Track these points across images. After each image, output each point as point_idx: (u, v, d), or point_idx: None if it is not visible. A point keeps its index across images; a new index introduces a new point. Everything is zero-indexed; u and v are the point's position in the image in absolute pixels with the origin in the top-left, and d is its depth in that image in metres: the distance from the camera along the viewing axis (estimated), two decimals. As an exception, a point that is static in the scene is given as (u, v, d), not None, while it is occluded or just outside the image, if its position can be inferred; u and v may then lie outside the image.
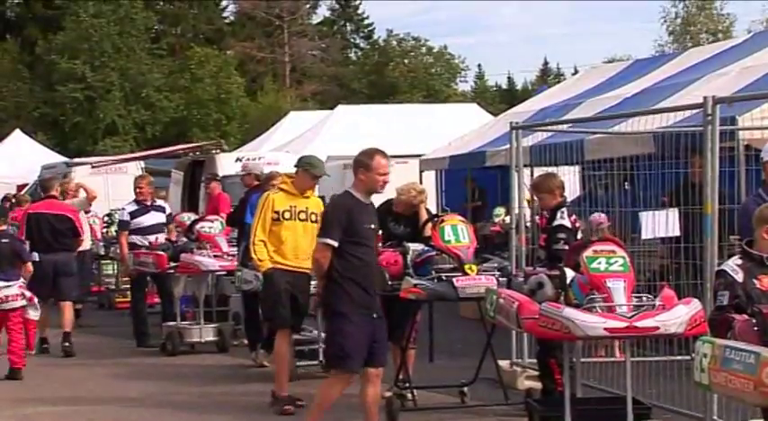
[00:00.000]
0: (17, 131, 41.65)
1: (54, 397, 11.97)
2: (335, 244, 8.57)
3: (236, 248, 14.22)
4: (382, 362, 8.87)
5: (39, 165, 29.99)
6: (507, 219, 17.57)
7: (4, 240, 13.48)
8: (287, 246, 10.78)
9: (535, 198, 11.21)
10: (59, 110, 59.76)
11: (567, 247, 9.62)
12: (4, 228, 14.10)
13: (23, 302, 13.04)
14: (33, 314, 13.26)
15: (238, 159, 21.20)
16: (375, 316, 8.71)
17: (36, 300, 13.29)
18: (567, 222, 10.05)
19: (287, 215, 10.78)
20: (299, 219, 10.80)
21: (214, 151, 22.85)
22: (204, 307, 14.59)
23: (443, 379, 11.17)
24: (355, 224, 8.63)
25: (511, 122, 12.31)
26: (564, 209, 10.18)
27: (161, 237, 15.47)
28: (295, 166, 11.07)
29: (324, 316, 8.95)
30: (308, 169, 10.91)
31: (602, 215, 12.23)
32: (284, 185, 11.00)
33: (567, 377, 8.54)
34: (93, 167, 24.88)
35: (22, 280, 13.28)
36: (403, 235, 10.87)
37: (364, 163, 8.76)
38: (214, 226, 14.93)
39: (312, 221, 10.72)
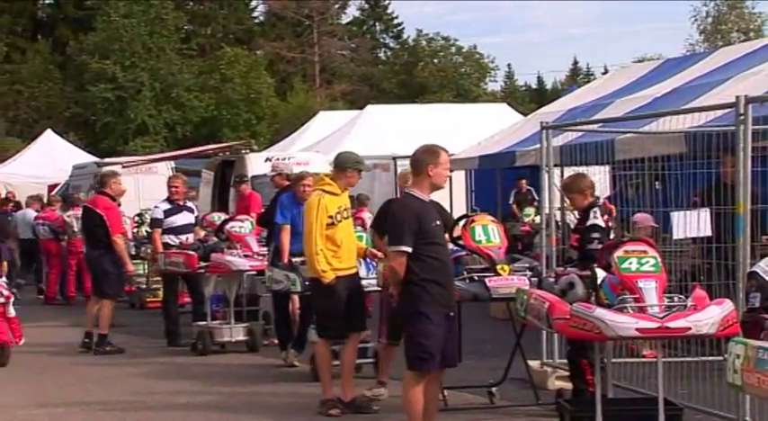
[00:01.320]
0: (48, 131, 41.86)
1: (85, 396, 12.01)
2: (410, 250, 8.50)
3: (266, 248, 14.23)
4: (453, 362, 8.88)
5: (70, 164, 30.15)
6: (537, 219, 17.58)
7: None
8: (343, 249, 10.55)
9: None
10: (90, 110, 60.05)
11: (600, 247, 9.60)
12: None
13: (1, 300, 13.95)
14: (12, 311, 14.17)
15: (268, 159, 21.24)
16: (451, 314, 8.73)
17: (12, 299, 14.19)
18: (600, 222, 10.03)
19: (338, 217, 10.58)
20: (345, 219, 10.65)
21: (244, 151, 22.90)
22: (234, 306, 14.60)
23: (473, 379, 11.15)
24: (425, 225, 8.57)
25: (541, 122, 12.28)
26: (596, 208, 10.16)
27: (191, 238, 15.52)
28: (338, 165, 10.90)
29: (402, 317, 8.81)
30: (359, 167, 10.85)
31: (648, 216, 12.18)
32: (328, 187, 10.69)
33: (599, 377, 8.51)
34: (123, 167, 24.93)
35: (3, 279, 14.48)
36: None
37: (433, 159, 8.71)
38: (244, 226, 14.96)
39: (348, 217, 10.73)
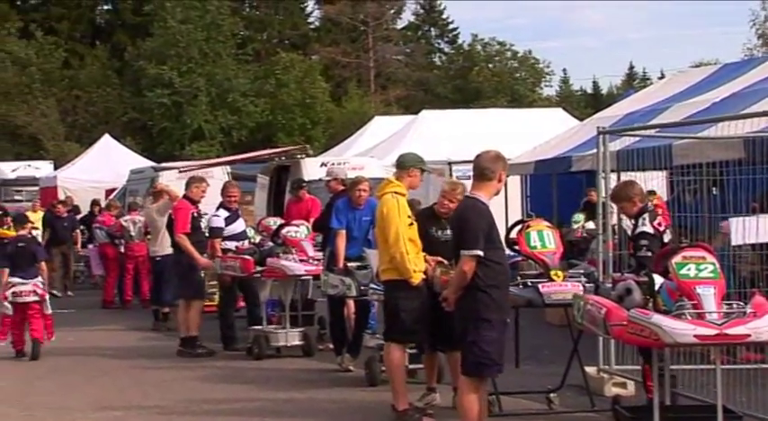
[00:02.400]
0: (106, 136, 42.18)
1: (143, 399, 12.09)
2: (482, 254, 8.48)
3: (321, 253, 14.26)
4: (501, 368, 8.87)
5: (127, 169, 30.33)
6: (587, 225, 17.48)
7: (20, 244, 15.59)
8: (419, 250, 10.51)
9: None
10: (147, 115, 60.48)
11: (649, 254, 9.54)
12: (23, 232, 16.05)
13: (36, 298, 15.06)
14: (48, 309, 15.21)
15: (323, 164, 21.26)
16: (507, 320, 8.74)
17: (47, 296, 15.32)
18: (648, 228, 9.95)
19: (412, 218, 10.59)
20: (411, 218, 10.64)
21: (299, 156, 22.94)
22: (290, 311, 14.64)
23: (530, 385, 11.12)
24: (492, 230, 8.58)
25: (598, 127, 12.22)
26: (645, 215, 10.09)
27: (246, 243, 15.60)
28: (400, 165, 10.87)
29: (462, 323, 8.76)
30: (422, 166, 10.83)
31: None
32: (398, 188, 10.64)
33: (657, 384, 8.46)
34: (180, 172, 25.08)
35: (39, 278, 15.29)
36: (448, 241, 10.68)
37: (504, 166, 8.77)
38: (300, 230, 14.99)
39: None
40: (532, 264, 10.46)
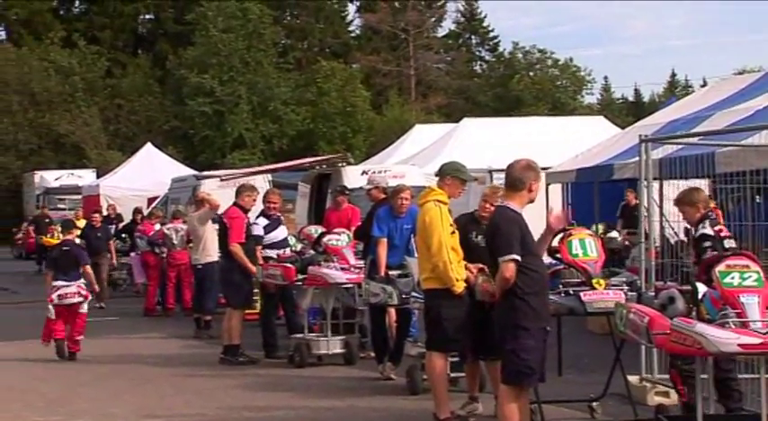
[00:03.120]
0: (148, 145, 42.46)
1: (185, 407, 12.13)
2: (519, 259, 8.48)
3: (362, 261, 14.27)
4: (542, 377, 8.87)
5: (169, 177, 30.48)
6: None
7: (65, 248, 16.28)
8: (460, 259, 10.45)
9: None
10: (189, 123, 60.79)
11: (715, 253, 9.50)
12: (69, 237, 16.65)
13: (80, 299, 15.70)
14: (84, 309, 15.83)
15: (364, 172, 21.26)
16: (548, 328, 8.73)
17: (90, 297, 16.01)
18: (708, 230, 9.93)
19: (454, 227, 10.57)
20: (453, 227, 10.61)
21: (340, 164, 22.95)
22: (331, 319, 14.65)
23: (572, 393, 11.07)
24: (526, 236, 8.59)
25: (640, 135, 12.17)
26: (707, 221, 10.06)
27: (287, 251, 15.63)
28: (439, 173, 10.88)
29: (500, 331, 8.77)
30: (459, 175, 10.83)
31: None
32: (441, 196, 10.63)
33: (700, 394, 8.40)
34: (221, 180, 25.17)
35: (81, 280, 15.91)
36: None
37: (536, 176, 8.77)
38: (341, 239, 15.00)
39: None
40: (574, 273, 10.42)
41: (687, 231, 12.11)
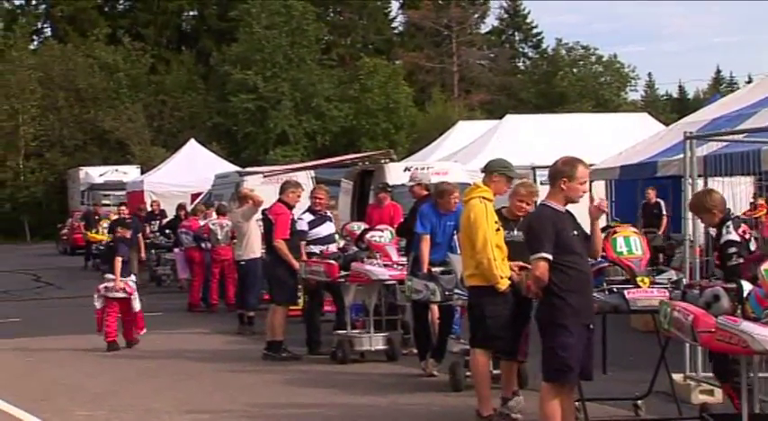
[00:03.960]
0: (192, 141, 42.65)
1: (229, 403, 12.17)
2: (551, 257, 8.49)
3: (405, 258, 14.26)
4: (589, 375, 8.85)
5: (212, 173, 30.62)
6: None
7: (111, 243, 17.57)
8: (505, 256, 10.43)
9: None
10: (232, 120, 61.02)
11: (741, 261, 9.42)
12: (121, 233, 17.24)
13: (123, 295, 16.18)
14: (136, 306, 16.37)
15: (407, 169, 21.25)
16: (591, 326, 8.70)
17: (135, 294, 16.38)
18: (734, 236, 9.84)
19: (499, 224, 10.56)
20: (498, 224, 10.59)
21: (383, 161, 22.96)
22: (374, 315, 14.66)
23: (615, 391, 11.02)
24: (562, 234, 8.56)
25: (685, 132, 12.11)
26: (729, 222, 9.96)
27: (332, 247, 15.64)
28: (486, 169, 10.86)
29: (541, 328, 8.80)
30: (506, 172, 10.81)
31: None
32: (486, 193, 10.61)
33: (746, 393, 8.34)
34: (264, 177, 25.25)
35: (132, 277, 16.68)
36: (518, 241, 10.53)
37: (567, 172, 8.70)
38: (384, 235, 15.00)
39: None
40: (619, 270, 10.38)
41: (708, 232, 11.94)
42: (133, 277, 16.81)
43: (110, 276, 16.32)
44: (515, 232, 10.74)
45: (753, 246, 10.01)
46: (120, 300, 16.25)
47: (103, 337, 16.20)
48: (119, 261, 16.31)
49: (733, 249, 9.68)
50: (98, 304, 16.31)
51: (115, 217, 28.33)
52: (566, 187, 8.67)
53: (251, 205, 17.46)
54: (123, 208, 25.22)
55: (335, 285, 15.02)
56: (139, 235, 25.66)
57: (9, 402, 12.25)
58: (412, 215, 14.20)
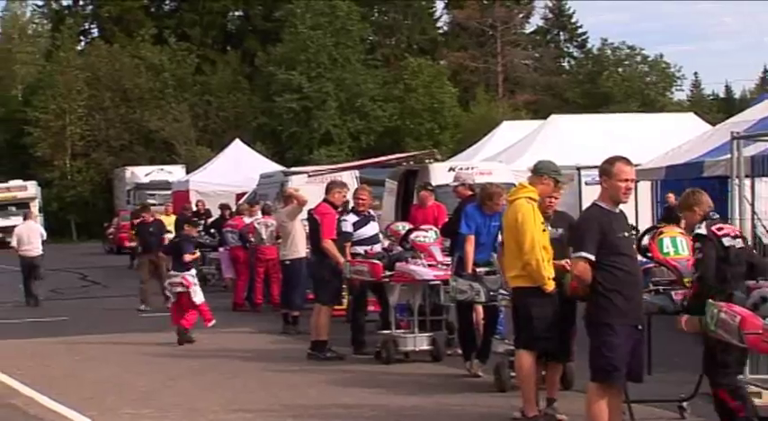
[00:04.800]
0: (237, 141, 42.83)
1: (274, 402, 12.22)
2: (592, 257, 8.49)
3: (450, 258, 14.24)
4: (639, 377, 8.82)
5: (257, 173, 30.72)
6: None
7: (176, 239, 18.68)
8: (550, 257, 10.39)
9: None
10: (277, 120, 61.19)
11: (701, 256, 9.30)
12: (187, 231, 18.47)
13: (182, 289, 17.10)
14: (199, 298, 17.25)
15: (451, 169, 21.23)
16: (639, 327, 8.66)
17: (195, 287, 17.24)
18: (702, 230, 9.63)
19: (545, 225, 10.53)
20: (544, 225, 10.55)
21: (428, 161, 22.96)
22: (418, 315, 14.65)
23: (661, 392, 10.97)
24: (608, 235, 8.54)
25: (732, 132, 12.06)
26: (704, 221, 9.78)
27: (376, 247, 15.64)
28: (535, 171, 10.82)
29: (587, 328, 8.80)
30: (557, 177, 10.78)
31: None
32: (532, 194, 10.59)
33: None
34: (309, 176, 25.33)
35: (191, 271, 17.44)
36: (553, 238, 10.57)
37: (606, 170, 8.70)
38: (428, 235, 14.99)
39: None
40: (665, 271, 10.32)
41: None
42: (193, 271, 17.61)
43: (172, 273, 17.54)
44: (552, 228, 10.72)
45: (728, 243, 9.77)
46: (182, 294, 17.15)
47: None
48: (187, 257, 17.42)
49: (698, 244, 9.54)
50: (169, 302, 17.49)
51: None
52: (606, 185, 8.66)
53: (296, 205, 17.50)
54: (146, 214, 24.18)
55: (380, 285, 15.03)
56: (163, 237, 25.73)
57: (57, 400, 12.36)
58: (456, 215, 14.16)
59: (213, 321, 17.52)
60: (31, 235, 25.14)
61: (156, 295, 21.43)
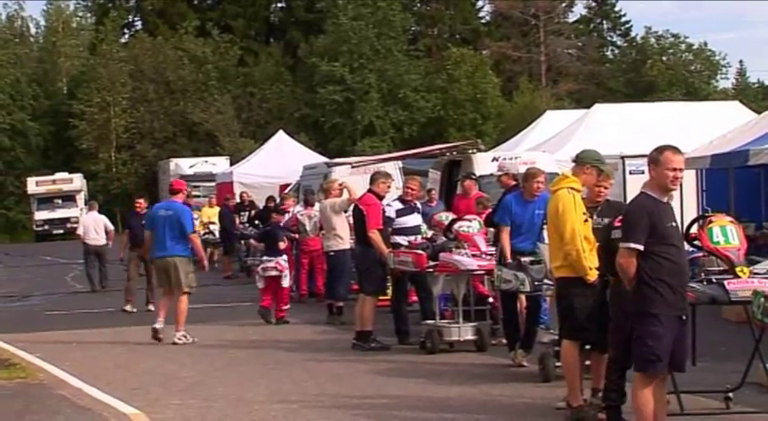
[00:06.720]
0: (280, 132, 42.86)
1: (318, 392, 12.26)
2: (641, 247, 8.46)
3: (494, 248, 14.22)
4: (681, 367, 8.79)
5: (300, 165, 30.74)
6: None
7: (268, 227, 20.06)
8: (593, 247, 10.27)
9: None
10: (320, 111, 61.31)
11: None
12: (278, 219, 20.07)
13: (276, 273, 18.34)
14: (285, 282, 18.57)
15: (494, 159, 21.18)
16: (684, 317, 8.64)
17: (286, 271, 18.51)
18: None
19: (587, 215, 10.43)
20: (586, 215, 10.47)
21: (471, 151, 22.89)
22: (463, 306, 14.64)
23: (707, 382, 10.90)
24: (657, 224, 8.50)
25: (778, 120, 11.94)
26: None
27: (419, 238, 15.63)
28: (577, 160, 10.72)
29: (631, 317, 8.76)
30: (599, 166, 10.72)
31: None
32: (575, 184, 10.50)
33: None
34: (352, 167, 25.31)
35: (283, 257, 18.62)
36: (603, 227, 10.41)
37: (654, 158, 8.65)
38: (472, 225, 14.96)
39: None
40: (714, 260, 10.22)
41: None
42: (285, 257, 18.73)
43: (265, 258, 18.74)
44: (598, 218, 10.63)
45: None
46: (273, 278, 18.31)
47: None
48: (281, 245, 18.61)
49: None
50: (260, 284, 18.58)
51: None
52: (654, 174, 8.61)
53: (345, 198, 17.48)
54: (141, 201, 22.75)
55: (419, 276, 15.03)
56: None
57: (104, 391, 12.44)
58: (500, 205, 14.16)
59: (288, 306, 18.62)
60: (96, 226, 26.69)
61: (140, 291, 21.52)
